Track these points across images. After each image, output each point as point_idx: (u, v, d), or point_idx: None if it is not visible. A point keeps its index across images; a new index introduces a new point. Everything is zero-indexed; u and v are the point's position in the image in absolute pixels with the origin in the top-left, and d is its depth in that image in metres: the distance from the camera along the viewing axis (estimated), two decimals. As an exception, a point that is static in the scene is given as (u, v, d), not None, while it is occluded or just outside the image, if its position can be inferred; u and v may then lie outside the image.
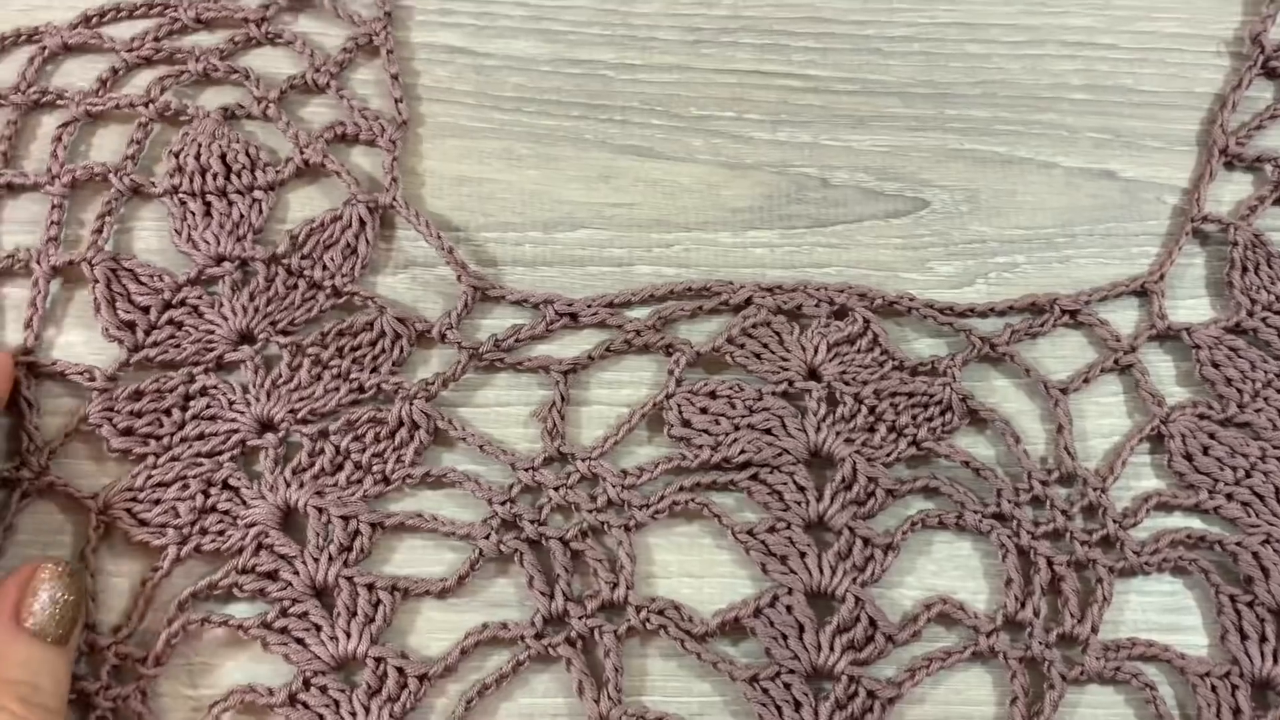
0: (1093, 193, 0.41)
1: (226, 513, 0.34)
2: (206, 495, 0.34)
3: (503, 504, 0.35)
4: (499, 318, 0.38)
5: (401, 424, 0.36)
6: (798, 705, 0.33)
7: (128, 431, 0.35)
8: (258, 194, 0.39)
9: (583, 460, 0.35)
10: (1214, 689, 0.34)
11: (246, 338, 0.37)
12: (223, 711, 0.32)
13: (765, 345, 0.37)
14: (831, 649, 0.33)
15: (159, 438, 0.35)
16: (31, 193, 0.38)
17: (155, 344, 0.36)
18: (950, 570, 0.36)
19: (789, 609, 0.34)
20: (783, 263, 0.39)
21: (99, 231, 0.38)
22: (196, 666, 0.33)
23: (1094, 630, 0.34)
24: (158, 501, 0.34)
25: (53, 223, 0.38)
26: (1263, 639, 0.34)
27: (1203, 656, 0.35)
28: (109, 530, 0.34)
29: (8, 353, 0.36)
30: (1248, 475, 0.37)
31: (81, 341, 0.37)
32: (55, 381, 0.36)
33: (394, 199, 0.39)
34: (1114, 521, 0.36)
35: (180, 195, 0.38)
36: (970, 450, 0.37)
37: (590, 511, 0.35)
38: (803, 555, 0.35)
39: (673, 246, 0.39)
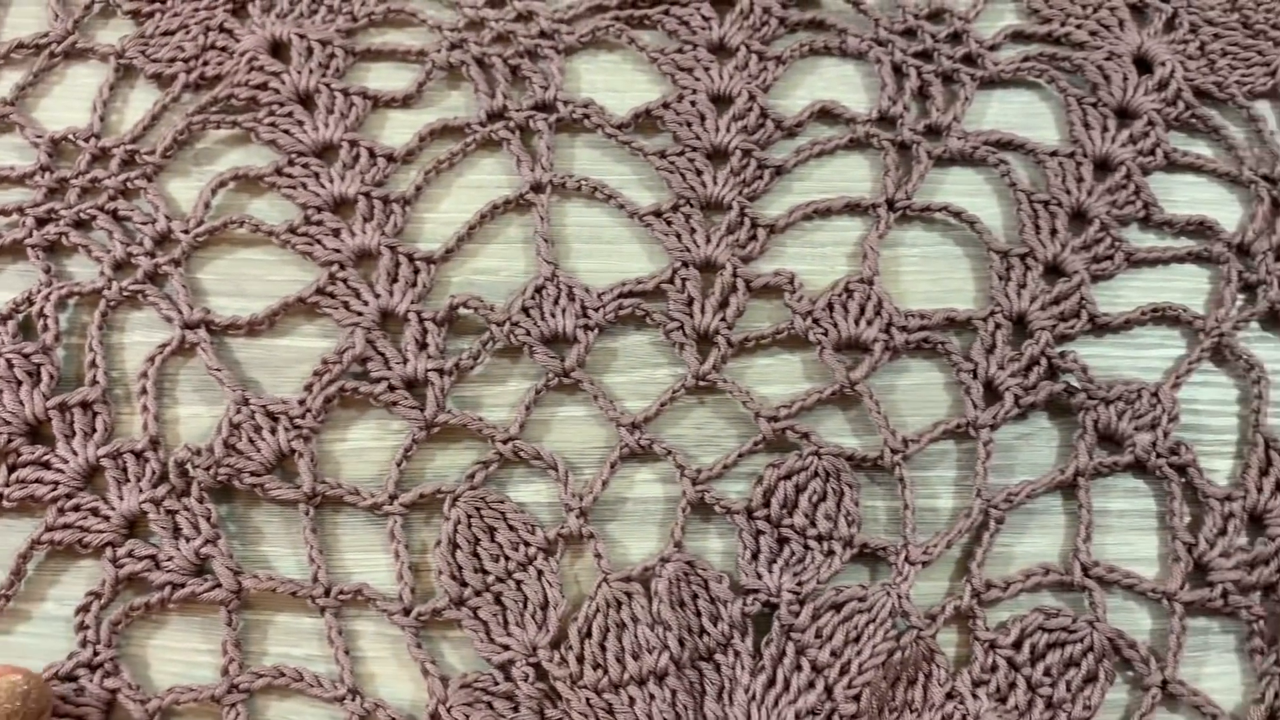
0: None
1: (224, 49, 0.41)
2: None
3: (452, 30, 0.41)
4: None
5: (363, -23, 0.42)
6: (699, 174, 0.39)
7: None
8: None
9: (519, 1, 0.42)
10: (1061, 165, 0.40)
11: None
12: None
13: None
14: (729, 131, 0.40)
15: None
16: None
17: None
18: (838, 85, 0.42)
19: (693, 103, 0.40)
20: None
21: None
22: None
23: (956, 119, 0.40)
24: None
25: None
26: (1104, 129, 0.41)
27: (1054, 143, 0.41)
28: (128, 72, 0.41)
29: None
30: (1095, 10, 0.43)
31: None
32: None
33: None
34: (975, 43, 0.42)
35: None
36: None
37: (526, 37, 0.41)
38: (707, 69, 0.41)
39: None
